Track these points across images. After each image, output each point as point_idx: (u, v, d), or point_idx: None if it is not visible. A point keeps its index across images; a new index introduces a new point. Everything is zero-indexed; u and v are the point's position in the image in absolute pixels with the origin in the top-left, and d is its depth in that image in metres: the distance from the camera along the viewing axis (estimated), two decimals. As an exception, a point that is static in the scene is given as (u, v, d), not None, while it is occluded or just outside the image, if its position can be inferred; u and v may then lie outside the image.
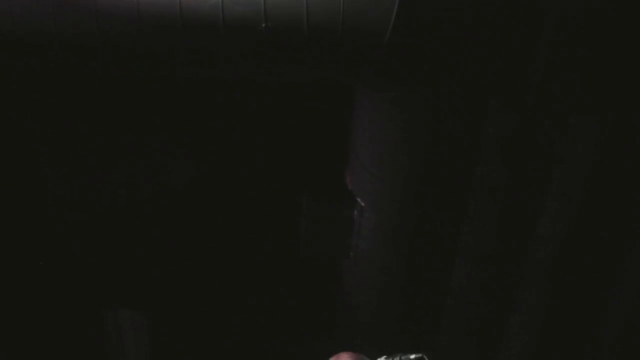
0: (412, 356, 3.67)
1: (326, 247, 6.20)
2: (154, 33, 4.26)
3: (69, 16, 4.20)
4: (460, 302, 6.69)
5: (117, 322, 6.70)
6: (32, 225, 6.25)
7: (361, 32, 4.33)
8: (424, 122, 5.29)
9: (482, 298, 6.69)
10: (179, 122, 5.91)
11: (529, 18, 4.87)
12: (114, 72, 4.69)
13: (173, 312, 6.78)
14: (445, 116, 5.31)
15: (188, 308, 6.71)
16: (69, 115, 5.79)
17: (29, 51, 4.35)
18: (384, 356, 3.81)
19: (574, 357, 7.21)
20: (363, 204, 5.92)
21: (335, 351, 4.28)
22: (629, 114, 5.58)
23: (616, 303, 6.68)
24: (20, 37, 4.28)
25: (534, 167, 5.75)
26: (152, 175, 6.10)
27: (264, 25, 4.25)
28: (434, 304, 6.77)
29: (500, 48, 4.88)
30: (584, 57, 5.09)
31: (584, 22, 4.88)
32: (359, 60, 4.53)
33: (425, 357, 3.58)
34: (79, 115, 5.80)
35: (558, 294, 6.70)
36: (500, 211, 6.16)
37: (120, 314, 6.67)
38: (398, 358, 3.73)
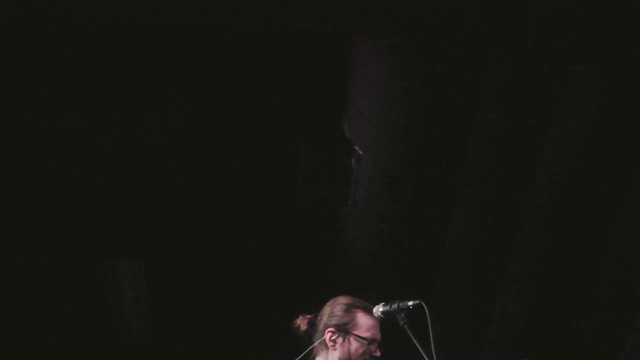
0: (410, 303, 3.67)
1: (324, 196, 6.20)
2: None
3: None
4: (459, 250, 6.71)
5: (115, 270, 6.72)
6: (33, 176, 6.24)
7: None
8: (422, 69, 5.26)
9: (480, 246, 6.71)
10: (180, 71, 5.86)
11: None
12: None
13: (171, 260, 6.80)
14: (444, 63, 5.28)
15: (186, 255, 6.73)
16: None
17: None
18: (382, 303, 3.82)
19: (571, 305, 7.26)
20: (361, 152, 5.91)
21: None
22: (630, 62, 5.55)
23: (615, 251, 6.70)
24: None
25: (533, 114, 5.73)
26: (151, 123, 6.06)
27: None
28: (433, 253, 6.79)
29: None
30: (583, 5, 5.04)
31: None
32: (357, 6, 4.49)
33: (423, 303, 3.58)
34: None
35: (557, 243, 6.72)
36: (499, 159, 6.15)
37: (118, 262, 6.69)
38: (396, 305, 3.73)
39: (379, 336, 4.01)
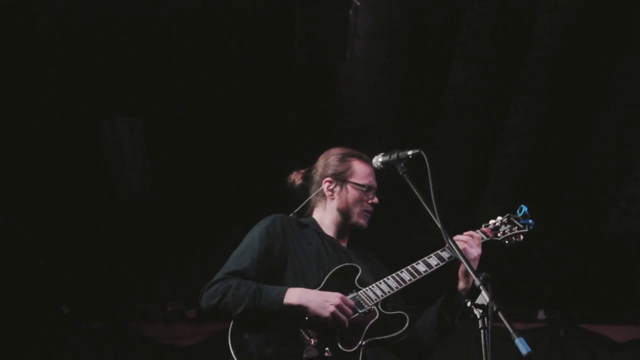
0: (410, 152, 3.66)
1: (322, 49, 6.11)
2: None
3: None
4: (458, 103, 6.68)
5: (113, 126, 6.68)
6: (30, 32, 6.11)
7: None
8: None
9: (479, 99, 6.68)
10: None
11: None
12: None
13: (170, 116, 6.76)
14: None
15: (182, 110, 6.68)
16: None
17: None
18: (382, 153, 3.81)
19: (570, 159, 7.29)
20: (358, 3, 5.78)
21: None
22: None
23: (615, 102, 6.68)
24: None
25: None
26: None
27: None
28: (432, 106, 6.76)
29: None
30: None
31: None
32: None
33: (422, 152, 3.58)
34: None
35: (556, 94, 6.68)
36: (498, 10, 6.04)
37: (116, 119, 6.64)
38: (395, 154, 3.72)
39: (375, 184, 4.05)
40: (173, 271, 8.20)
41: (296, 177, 4.23)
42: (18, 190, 7.38)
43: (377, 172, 3.92)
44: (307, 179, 4.21)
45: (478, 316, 3.08)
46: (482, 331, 3.07)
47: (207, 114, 6.76)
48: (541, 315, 8.89)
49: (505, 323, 2.96)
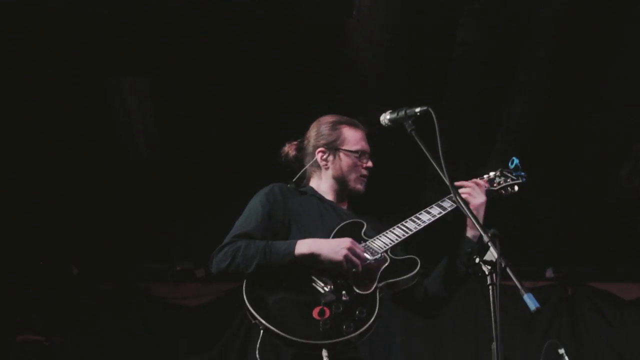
0: (417, 109, 3.67)
1: (328, 6, 6.06)
2: None
3: None
4: (466, 60, 6.63)
5: (120, 88, 6.66)
6: None
7: None
8: None
9: (487, 55, 6.63)
10: None
11: None
12: None
13: (175, 75, 6.73)
14: None
15: (190, 71, 6.64)
16: None
17: None
18: (389, 110, 3.81)
19: (579, 117, 7.25)
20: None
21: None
22: None
23: (624, 58, 6.61)
24: None
25: None
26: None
27: None
28: (440, 63, 6.71)
29: None
30: None
31: None
32: None
33: (430, 109, 3.57)
34: None
35: (564, 51, 6.62)
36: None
37: (122, 80, 6.61)
38: (403, 112, 3.73)
39: (368, 147, 4.13)
40: (182, 231, 8.24)
41: (289, 149, 4.30)
42: (27, 152, 7.38)
43: (386, 131, 3.91)
44: (301, 150, 4.28)
45: (486, 272, 3.09)
46: (490, 287, 3.08)
47: (214, 73, 6.71)
48: (549, 273, 8.94)
49: (514, 279, 2.97)
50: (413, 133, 3.65)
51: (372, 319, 3.48)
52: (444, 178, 3.41)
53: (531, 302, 2.89)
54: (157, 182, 7.84)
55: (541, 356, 5.32)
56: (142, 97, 6.81)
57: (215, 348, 8.56)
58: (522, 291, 2.91)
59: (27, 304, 8.43)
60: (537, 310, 2.88)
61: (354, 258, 3.58)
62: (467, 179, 4.07)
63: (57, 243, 8.36)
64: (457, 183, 3.89)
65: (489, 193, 4.05)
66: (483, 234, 3.17)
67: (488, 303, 3.05)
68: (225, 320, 8.44)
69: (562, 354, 5.28)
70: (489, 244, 3.11)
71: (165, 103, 7.00)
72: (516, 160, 4.16)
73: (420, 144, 3.55)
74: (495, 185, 4.13)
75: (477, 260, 3.15)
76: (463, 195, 3.84)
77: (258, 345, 3.58)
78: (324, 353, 3.39)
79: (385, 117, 3.82)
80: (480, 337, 8.56)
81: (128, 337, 8.54)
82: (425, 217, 3.87)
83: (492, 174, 4.20)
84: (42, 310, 8.43)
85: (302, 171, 4.21)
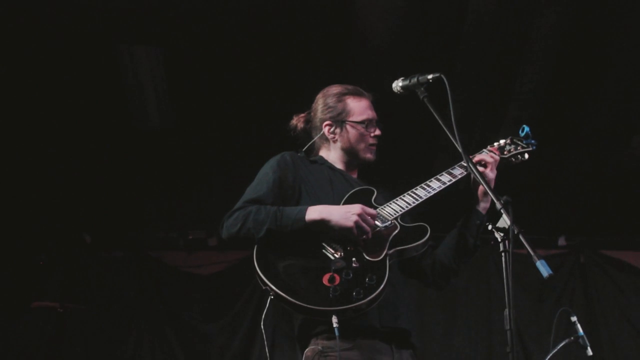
0: (430, 76, 3.65)
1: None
2: None
3: None
4: (479, 28, 6.59)
5: (132, 57, 6.64)
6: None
7: None
8: None
9: (500, 24, 6.58)
10: None
11: None
12: None
13: (187, 45, 6.70)
14: None
15: (202, 40, 6.62)
16: None
17: None
18: (402, 77, 3.79)
19: (592, 84, 7.20)
20: None
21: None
22: None
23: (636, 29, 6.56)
24: None
25: None
26: None
27: None
28: (452, 31, 6.67)
29: None
30: None
31: None
32: None
33: (442, 76, 3.55)
34: None
35: (576, 18, 6.57)
36: None
37: (135, 49, 6.60)
38: (415, 78, 3.71)
39: (374, 115, 4.10)
40: (194, 200, 8.25)
41: (298, 122, 4.29)
42: (41, 122, 7.39)
43: (397, 97, 3.89)
44: (308, 122, 4.27)
45: (499, 239, 3.09)
46: (503, 254, 3.08)
47: (226, 43, 6.69)
48: (562, 241, 8.94)
49: (527, 245, 2.97)
50: (425, 100, 3.63)
51: (382, 285, 3.49)
52: (456, 145, 3.39)
53: (544, 269, 2.89)
54: (170, 151, 7.84)
55: (553, 324, 5.30)
56: (155, 67, 6.80)
57: (228, 316, 8.61)
58: (535, 258, 2.91)
59: (42, 273, 8.50)
60: (550, 276, 2.88)
61: (363, 224, 3.58)
62: (478, 147, 4.06)
63: (70, 212, 8.40)
64: (476, 158, 3.92)
65: (500, 162, 4.02)
66: (496, 200, 3.16)
67: (500, 270, 3.05)
68: (238, 288, 8.49)
69: (575, 322, 5.26)
70: (502, 211, 3.11)
71: (177, 72, 6.98)
72: (527, 128, 4.14)
73: (432, 111, 3.54)
74: (505, 153, 4.11)
75: (490, 227, 3.15)
76: (481, 169, 3.84)
77: (263, 316, 3.59)
78: (334, 319, 3.41)
79: (398, 84, 3.80)
80: (492, 305, 8.59)
81: (141, 305, 8.60)
82: (436, 185, 3.86)
83: (502, 141, 4.18)
84: (56, 279, 8.50)
85: (310, 142, 4.21)
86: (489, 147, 4.11)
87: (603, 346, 8.47)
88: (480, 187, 3.86)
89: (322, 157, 4.16)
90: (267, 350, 3.73)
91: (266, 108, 7.16)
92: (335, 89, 4.18)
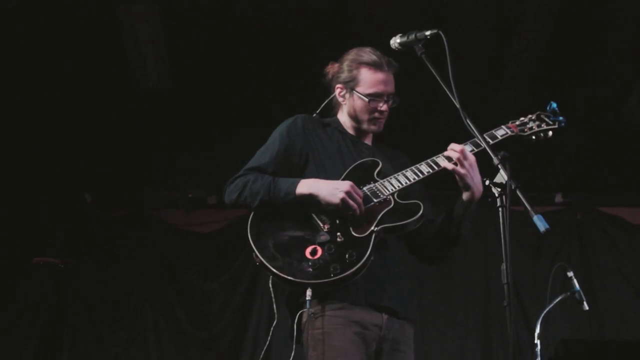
0: (428, 32, 3.66)
1: None
2: None
3: None
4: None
5: (130, 15, 6.61)
6: None
7: None
8: None
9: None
10: None
11: None
12: None
13: (186, 3, 6.67)
14: None
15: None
16: None
17: None
18: (400, 34, 3.80)
19: (589, 41, 7.19)
20: None
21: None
22: None
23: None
24: None
25: None
26: None
27: None
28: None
29: None
30: None
31: None
32: None
33: (441, 32, 3.56)
34: None
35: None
36: None
37: (133, 7, 6.56)
38: (413, 35, 3.72)
39: (385, 89, 4.00)
40: (194, 158, 8.27)
41: (330, 70, 4.20)
42: (40, 83, 7.38)
43: (396, 54, 3.88)
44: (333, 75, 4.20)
45: (496, 194, 3.12)
46: (500, 209, 3.11)
47: (225, 2, 6.67)
48: (558, 198, 8.97)
49: (524, 201, 3.01)
50: (423, 56, 3.65)
51: (360, 263, 3.53)
52: (454, 101, 3.41)
53: (541, 223, 2.93)
54: (170, 110, 7.84)
55: (550, 279, 5.37)
56: (153, 25, 6.78)
57: (227, 274, 8.67)
58: (532, 212, 2.96)
59: (44, 230, 8.55)
60: (547, 231, 2.92)
61: (350, 202, 3.62)
62: (478, 105, 4.05)
63: (71, 172, 8.42)
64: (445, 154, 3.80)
65: (513, 139, 3.95)
66: (493, 156, 3.19)
67: (497, 227, 3.09)
68: (238, 246, 8.51)
69: (571, 277, 5.34)
70: (499, 166, 3.14)
71: (176, 31, 6.96)
72: (554, 105, 4.03)
73: (431, 68, 3.55)
74: (526, 130, 4.01)
75: (487, 182, 3.18)
76: (451, 166, 3.72)
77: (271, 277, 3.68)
78: (308, 292, 3.50)
79: (396, 41, 3.81)
80: (488, 261, 8.65)
81: (140, 263, 8.65)
82: (442, 162, 3.79)
83: (528, 117, 4.07)
84: (57, 236, 8.55)
85: (327, 101, 4.20)
86: (509, 123, 4.04)
87: (599, 301, 8.54)
88: (461, 178, 3.72)
89: (336, 120, 4.16)
90: (275, 307, 3.78)
91: (265, 69, 7.16)
92: (356, 55, 4.08)
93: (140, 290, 8.61)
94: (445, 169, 3.75)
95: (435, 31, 3.60)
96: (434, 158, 3.84)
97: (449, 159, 3.75)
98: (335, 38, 6.48)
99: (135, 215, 8.88)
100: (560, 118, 4.06)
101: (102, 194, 8.84)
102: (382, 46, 4.02)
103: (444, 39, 3.50)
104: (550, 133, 4.07)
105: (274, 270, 3.54)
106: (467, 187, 3.71)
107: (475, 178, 3.69)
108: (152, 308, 8.56)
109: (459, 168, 3.67)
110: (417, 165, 3.85)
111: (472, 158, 3.70)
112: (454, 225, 3.84)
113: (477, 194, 3.73)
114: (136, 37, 6.85)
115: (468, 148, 3.77)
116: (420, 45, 3.67)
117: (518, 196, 3.06)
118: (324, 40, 6.61)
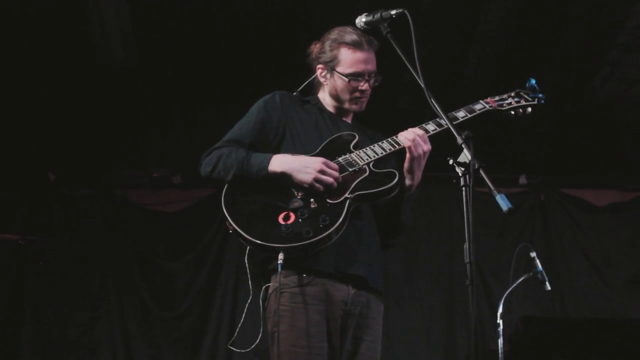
0: (393, 11, 3.64)
1: None
2: None
3: None
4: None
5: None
6: None
7: None
8: None
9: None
10: None
11: None
12: None
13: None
14: None
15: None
16: None
17: None
18: (365, 13, 3.78)
19: (555, 24, 7.22)
20: None
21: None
22: None
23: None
24: None
25: None
26: None
27: None
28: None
29: None
30: None
31: None
32: None
33: (406, 12, 3.54)
34: None
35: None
36: None
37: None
38: (379, 14, 3.70)
39: (366, 69, 3.98)
40: (159, 137, 8.21)
41: (314, 49, 4.15)
42: (0, 58, 7.27)
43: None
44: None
45: (460, 174, 3.12)
46: (463, 189, 3.12)
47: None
48: (522, 180, 9.03)
49: (487, 180, 3.02)
50: (389, 36, 3.63)
51: (333, 228, 3.54)
52: (419, 81, 3.41)
53: (504, 203, 2.94)
54: (134, 88, 7.77)
55: (513, 259, 5.40)
56: (118, 1, 6.70)
57: (192, 254, 8.64)
58: (495, 192, 2.97)
59: (4, 207, 8.43)
60: (510, 210, 2.94)
61: (324, 178, 3.64)
62: (443, 86, 4.05)
63: (33, 150, 8.32)
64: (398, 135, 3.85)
65: (490, 114, 3.99)
66: (457, 135, 3.20)
67: (462, 208, 3.10)
68: (203, 225, 8.50)
69: (534, 257, 5.37)
70: (463, 145, 3.14)
71: (142, 6, 6.89)
72: (533, 81, 4.07)
73: (396, 48, 3.54)
74: (505, 105, 4.06)
75: (451, 162, 3.19)
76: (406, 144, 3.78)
77: (247, 251, 3.72)
78: (280, 256, 3.50)
79: (361, 20, 3.79)
80: (454, 242, 8.70)
81: (104, 241, 8.59)
82: (419, 132, 3.81)
83: (505, 95, 4.12)
84: (19, 213, 8.45)
85: (308, 80, 4.18)
86: (487, 98, 4.06)
87: (561, 281, 8.65)
88: (406, 163, 3.82)
89: (316, 98, 4.15)
90: (250, 283, 3.78)
91: (234, 45, 7.12)
92: (336, 34, 4.05)
93: (105, 269, 8.53)
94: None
95: (400, 10, 3.59)
96: (422, 125, 3.87)
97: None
98: (304, 18, 6.44)
99: (100, 193, 8.80)
100: (540, 95, 4.12)
101: (67, 172, 8.74)
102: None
103: (410, 18, 3.49)
104: (530, 109, 4.12)
105: (246, 236, 3.53)
106: (412, 172, 3.80)
107: (421, 166, 3.79)
108: (116, 287, 8.49)
109: (415, 149, 3.76)
110: (394, 136, 3.86)
111: (429, 147, 3.79)
112: (394, 211, 3.90)
113: (417, 182, 3.84)
114: (101, 15, 6.77)
115: (431, 127, 3.82)
116: (385, 24, 3.66)
117: (482, 176, 3.06)
118: (292, 18, 6.57)
